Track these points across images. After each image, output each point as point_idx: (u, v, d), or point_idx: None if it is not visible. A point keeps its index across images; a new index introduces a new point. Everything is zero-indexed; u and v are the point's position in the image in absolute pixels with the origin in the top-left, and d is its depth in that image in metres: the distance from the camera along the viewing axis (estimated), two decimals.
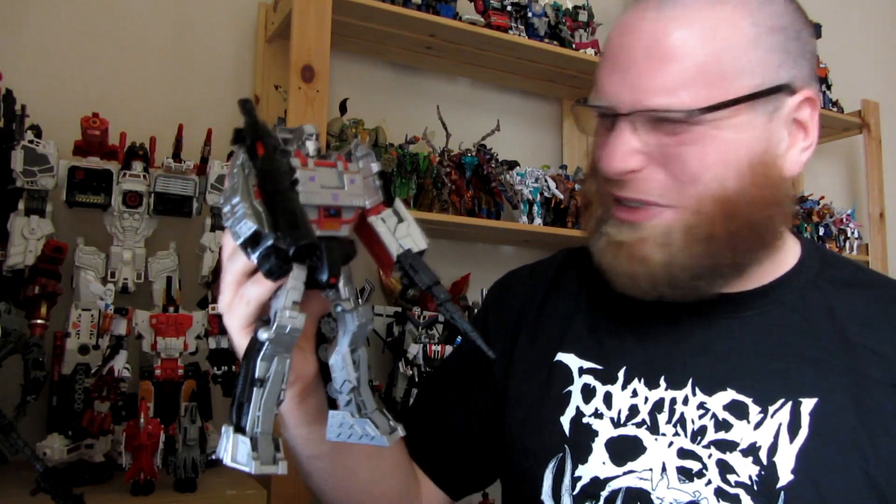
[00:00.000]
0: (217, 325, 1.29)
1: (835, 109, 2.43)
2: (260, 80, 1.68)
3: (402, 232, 0.56)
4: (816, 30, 2.48)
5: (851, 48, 2.88)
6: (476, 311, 1.74)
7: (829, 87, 2.43)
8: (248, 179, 0.50)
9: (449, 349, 1.61)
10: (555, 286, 0.88)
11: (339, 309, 0.57)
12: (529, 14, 1.85)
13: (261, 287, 0.53)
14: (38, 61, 1.49)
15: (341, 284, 0.56)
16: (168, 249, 1.37)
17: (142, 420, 1.11)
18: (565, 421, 0.76)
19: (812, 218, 2.41)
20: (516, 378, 0.83)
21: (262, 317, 0.54)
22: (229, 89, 1.68)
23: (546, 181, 1.84)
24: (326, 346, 0.60)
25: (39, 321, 1.17)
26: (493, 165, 1.80)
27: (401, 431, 0.58)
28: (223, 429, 0.50)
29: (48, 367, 1.20)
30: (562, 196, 1.84)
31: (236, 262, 0.54)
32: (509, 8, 1.81)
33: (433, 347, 1.60)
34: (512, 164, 1.87)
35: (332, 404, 0.60)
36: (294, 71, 1.43)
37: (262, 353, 0.51)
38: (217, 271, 1.38)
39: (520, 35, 1.80)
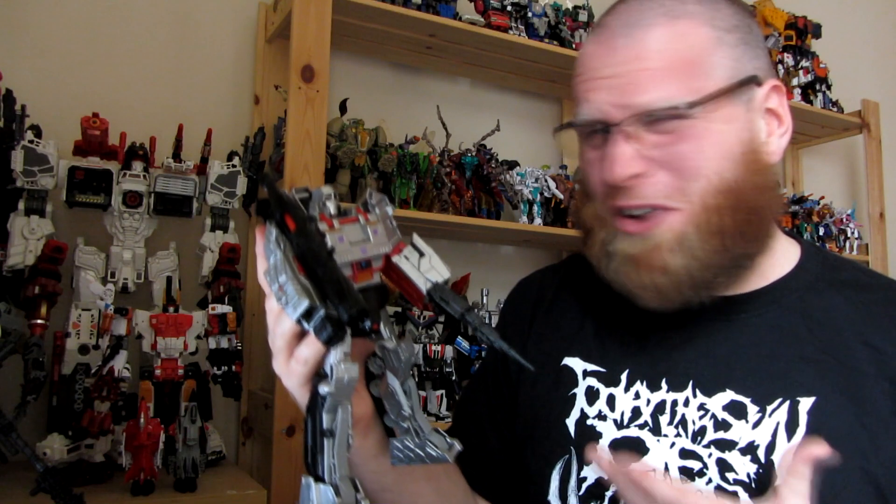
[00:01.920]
0: (217, 325, 1.29)
1: (835, 109, 2.43)
2: (260, 80, 1.68)
3: (426, 266, 0.61)
4: (816, 30, 2.49)
5: (851, 48, 2.88)
6: (476, 311, 1.74)
7: (829, 87, 2.43)
8: (287, 255, 0.54)
9: (449, 349, 1.61)
10: (562, 291, 0.90)
11: (385, 349, 0.61)
12: (529, 14, 1.85)
13: (314, 347, 0.56)
14: (38, 61, 1.49)
15: (382, 327, 0.59)
16: (168, 249, 1.38)
17: (142, 420, 1.11)
18: (570, 423, 0.78)
19: (812, 218, 2.41)
20: (526, 382, 0.85)
21: (318, 371, 0.58)
22: (229, 89, 1.68)
23: (546, 181, 1.84)
24: (377, 381, 0.64)
25: (39, 321, 1.17)
26: (493, 165, 1.80)
27: (458, 446, 0.62)
28: (303, 481, 0.53)
29: (48, 367, 1.20)
30: (562, 196, 1.85)
31: (284, 326, 0.58)
32: (509, 8, 1.81)
33: (433, 347, 1.60)
34: (512, 164, 1.87)
35: (391, 433, 0.64)
36: (294, 71, 1.43)
37: (326, 406, 0.54)
38: (217, 272, 1.38)
39: (520, 35, 1.80)
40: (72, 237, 1.30)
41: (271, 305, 0.59)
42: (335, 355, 0.54)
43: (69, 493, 0.91)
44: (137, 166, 1.32)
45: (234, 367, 1.30)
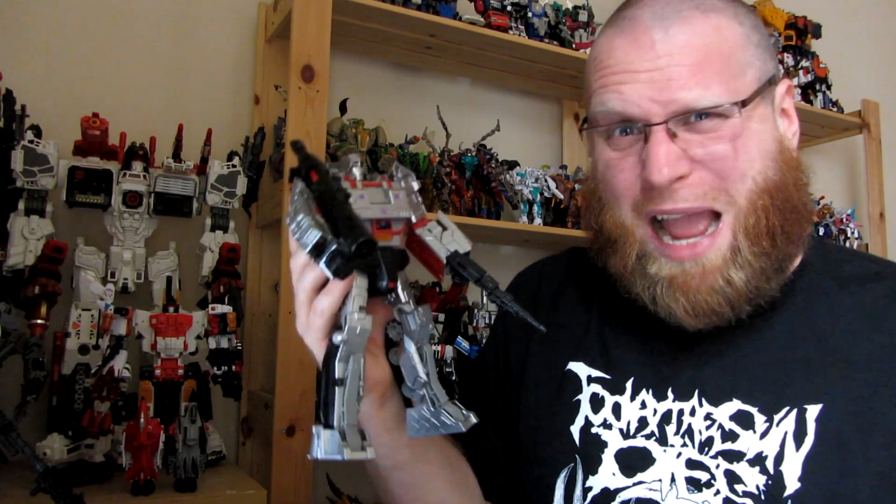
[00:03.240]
0: (217, 325, 1.29)
1: (835, 109, 2.43)
2: (260, 80, 1.68)
3: (448, 238, 0.63)
4: (816, 30, 2.49)
5: (851, 48, 2.88)
6: (476, 311, 1.74)
7: (829, 87, 2.43)
8: (308, 201, 0.58)
9: (449, 349, 1.61)
10: (565, 290, 0.87)
11: (402, 311, 0.63)
12: (529, 14, 1.85)
13: (330, 296, 0.58)
14: (38, 61, 1.49)
15: (400, 289, 0.62)
16: (168, 249, 1.38)
17: (142, 420, 1.11)
18: (575, 430, 0.77)
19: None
20: (529, 385, 0.84)
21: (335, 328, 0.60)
22: (229, 89, 1.68)
23: (546, 181, 1.84)
24: (395, 349, 0.65)
25: (39, 321, 1.17)
26: (493, 165, 1.80)
27: (473, 418, 0.63)
28: (314, 429, 0.56)
29: (48, 367, 1.20)
30: (562, 196, 1.84)
31: (305, 279, 0.60)
32: (509, 8, 1.81)
33: (433, 347, 1.60)
34: (512, 164, 1.87)
35: (409, 406, 0.66)
36: (294, 71, 1.42)
37: (339, 356, 0.57)
38: (217, 272, 1.38)
39: (520, 35, 1.80)
40: (72, 237, 1.30)
41: (295, 264, 0.61)
42: (350, 306, 0.57)
43: (69, 493, 0.90)
44: (137, 166, 1.32)
45: (234, 367, 1.30)
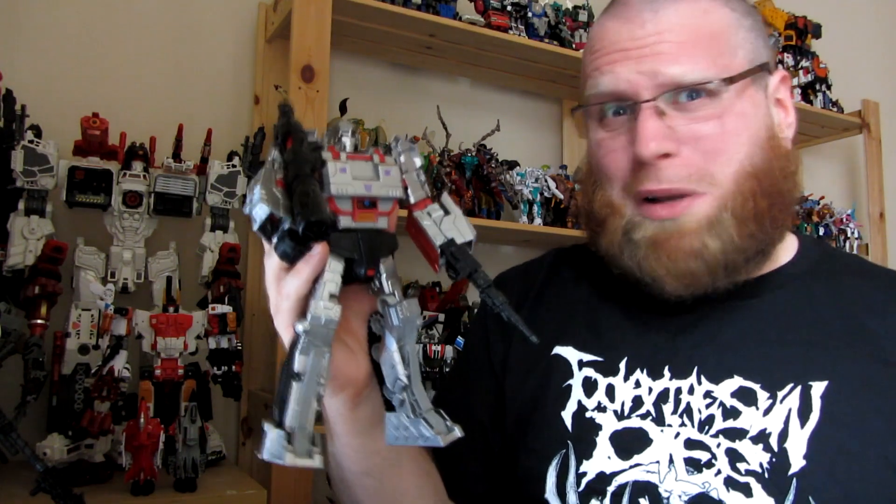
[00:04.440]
0: (217, 325, 1.29)
1: (835, 109, 2.43)
2: (260, 80, 1.68)
3: (448, 224, 0.56)
4: (816, 30, 2.48)
5: (851, 48, 2.87)
6: (476, 311, 1.74)
7: (829, 87, 2.43)
8: (273, 171, 0.51)
9: (449, 349, 1.61)
10: (548, 284, 0.87)
11: (384, 304, 0.56)
12: (529, 14, 1.85)
13: (297, 279, 0.52)
14: (38, 61, 1.49)
15: (384, 278, 0.55)
16: (168, 249, 1.38)
17: (142, 420, 1.11)
18: (567, 416, 0.75)
19: (812, 218, 2.41)
20: (513, 378, 0.81)
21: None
22: (229, 89, 1.68)
23: (546, 181, 1.84)
24: (378, 345, 0.59)
25: (39, 321, 1.17)
26: (493, 165, 1.80)
27: (458, 432, 0.56)
28: (263, 425, 0.50)
29: (48, 367, 1.20)
30: (562, 196, 1.84)
31: (272, 260, 0.54)
32: (509, 8, 1.81)
33: (433, 347, 1.60)
34: (512, 164, 1.87)
35: (391, 409, 0.58)
36: (294, 71, 1.42)
37: (299, 347, 0.51)
38: (217, 272, 1.38)
39: (520, 35, 1.80)
40: (72, 237, 1.30)
41: (268, 257, 0.55)
42: (318, 291, 0.51)
43: (69, 493, 0.90)
44: (137, 166, 1.32)
45: (234, 367, 1.30)
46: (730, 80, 0.68)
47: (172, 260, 1.37)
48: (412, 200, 0.57)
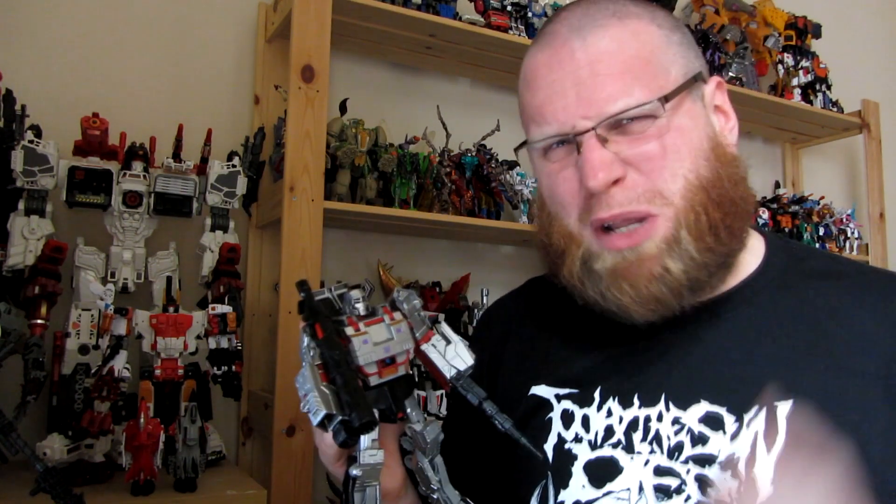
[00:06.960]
0: (217, 325, 1.29)
1: (835, 109, 2.43)
2: (260, 80, 1.68)
3: (451, 353, 0.67)
4: (816, 30, 2.49)
5: (851, 48, 2.88)
6: (476, 311, 1.74)
7: (829, 87, 2.43)
8: (313, 366, 0.59)
9: None
10: (524, 322, 0.88)
11: (413, 430, 0.67)
12: (529, 14, 1.85)
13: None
14: (38, 61, 1.49)
15: (409, 412, 0.66)
16: (168, 249, 1.38)
17: (142, 420, 1.11)
18: (549, 448, 0.76)
19: (812, 218, 2.41)
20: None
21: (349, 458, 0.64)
22: (229, 89, 1.68)
23: None
24: (410, 457, 0.70)
25: (39, 321, 1.17)
26: (493, 165, 1.80)
27: None
28: None
29: (48, 367, 1.20)
30: None
31: (327, 436, 0.61)
32: (509, 8, 1.81)
33: None
34: (512, 164, 1.87)
35: (425, 501, 0.70)
36: (294, 71, 1.43)
37: (355, 486, 0.62)
38: (217, 272, 1.38)
39: (520, 35, 1.80)
40: (72, 237, 1.30)
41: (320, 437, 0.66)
42: (364, 442, 0.62)
43: (69, 493, 0.90)
44: (137, 166, 1.32)
45: (234, 367, 1.30)
46: (665, 99, 0.68)
47: (172, 260, 1.37)
48: (418, 337, 0.67)
